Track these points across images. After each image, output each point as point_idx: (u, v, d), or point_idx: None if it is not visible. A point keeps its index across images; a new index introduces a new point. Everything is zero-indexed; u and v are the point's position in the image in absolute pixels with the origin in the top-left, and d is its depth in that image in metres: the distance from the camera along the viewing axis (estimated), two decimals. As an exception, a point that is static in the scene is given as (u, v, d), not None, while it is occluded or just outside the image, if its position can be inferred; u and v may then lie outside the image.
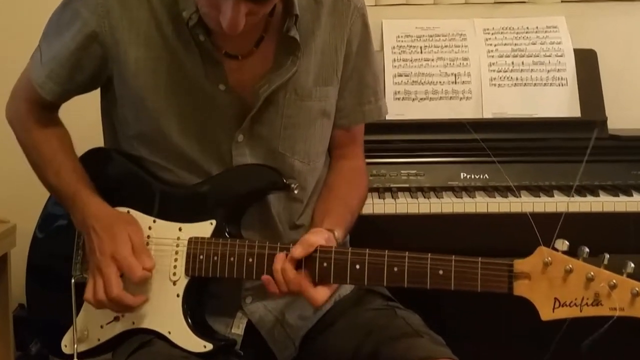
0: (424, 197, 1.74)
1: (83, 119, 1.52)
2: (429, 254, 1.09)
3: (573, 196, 1.73)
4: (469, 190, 1.78)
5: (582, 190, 1.76)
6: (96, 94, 1.38)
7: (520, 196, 1.74)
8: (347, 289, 1.40)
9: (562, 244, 1.04)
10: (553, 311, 1.04)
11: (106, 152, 1.37)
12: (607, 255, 1.03)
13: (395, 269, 1.11)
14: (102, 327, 1.29)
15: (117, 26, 1.23)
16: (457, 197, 1.74)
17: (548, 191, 1.76)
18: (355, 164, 1.41)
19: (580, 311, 1.03)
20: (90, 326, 1.29)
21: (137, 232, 1.25)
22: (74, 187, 1.29)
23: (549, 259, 1.04)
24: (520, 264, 1.06)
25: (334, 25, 1.30)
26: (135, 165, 1.31)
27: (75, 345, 1.27)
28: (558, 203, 1.70)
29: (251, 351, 1.30)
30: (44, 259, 1.39)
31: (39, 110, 1.36)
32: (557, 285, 1.04)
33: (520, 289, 1.06)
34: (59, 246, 1.36)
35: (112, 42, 1.25)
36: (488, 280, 1.06)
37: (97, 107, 1.40)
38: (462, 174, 1.82)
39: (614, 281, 1.02)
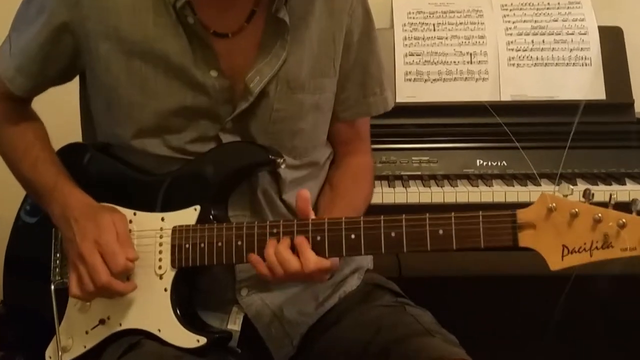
0: (437, 186, 1.73)
1: (60, 111, 1.51)
2: (427, 214, 1.08)
3: (597, 184, 1.72)
4: (485, 178, 1.76)
5: (607, 178, 1.75)
6: (73, 88, 1.37)
7: (541, 184, 1.72)
8: (352, 284, 1.38)
9: (567, 189, 1.03)
10: (562, 259, 1.02)
11: (81, 148, 1.36)
12: (613, 195, 1.01)
13: (393, 233, 1.10)
14: (87, 332, 1.27)
15: (87, 16, 1.22)
16: (472, 185, 1.73)
17: (570, 179, 1.75)
18: (360, 161, 1.40)
19: (591, 256, 1.01)
20: (74, 333, 1.28)
21: (122, 220, 1.23)
22: (53, 179, 1.28)
23: (553, 204, 1.02)
24: (523, 213, 1.04)
25: (332, 11, 1.29)
26: (112, 157, 1.31)
27: (60, 354, 1.26)
28: (581, 192, 1.65)
29: (248, 350, 1.29)
30: (20, 265, 1.38)
31: (9, 103, 1.34)
32: (563, 232, 1.02)
33: (526, 239, 1.04)
34: (35, 251, 1.35)
35: (83, 33, 1.23)
36: (491, 234, 1.05)
37: (76, 98, 1.39)
38: (478, 160, 1.80)
39: (623, 220, 0.99)
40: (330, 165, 1.40)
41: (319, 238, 1.13)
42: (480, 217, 1.06)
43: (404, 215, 1.10)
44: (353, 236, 1.12)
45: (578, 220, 1.01)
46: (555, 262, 1.02)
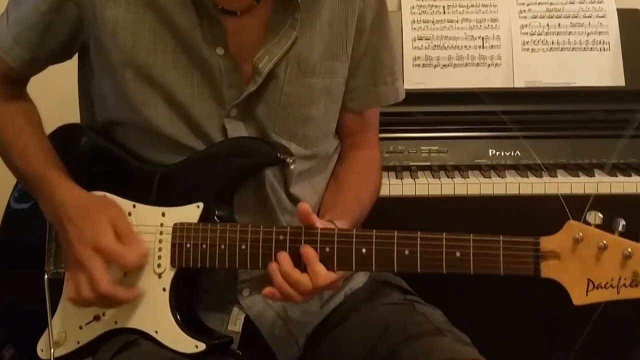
0: (447, 177, 1.72)
1: (56, 95, 1.50)
2: (444, 234, 1.07)
3: (617, 175, 1.71)
4: (498, 169, 1.76)
5: (626, 169, 1.74)
6: (72, 68, 1.36)
7: (557, 176, 1.71)
8: (359, 281, 1.38)
9: (595, 217, 1.01)
10: (587, 294, 1.01)
11: (78, 129, 1.34)
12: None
13: (407, 252, 1.08)
14: (81, 328, 1.26)
15: None
16: (484, 176, 1.72)
17: (588, 170, 1.74)
18: (368, 154, 1.40)
19: (618, 293, 1.00)
20: (68, 327, 1.27)
21: (120, 216, 1.21)
22: (41, 169, 1.26)
23: (580, 234, 1.01)
24: (547, 242, 1.03)
25: None
26: (111, 143, 1.29)
27: (52, 350, 1.25)
28: (599, 183, 1.68)
29: (250, 352, 1.28)
30: (12, 254, 1.37)
31: (3, 83, 1.33)
32: (590, 265, 1.01)
33: (549, 270, 1.03)
34: (28, 238, 1.34)
35: (88, 1, 1.22)
36: (512, 262, 1.04)
37: (72, 81, 1.37)
38: (490, 150, 1.80)
39: (655, 258, 0.99)
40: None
41: (327, 249, 1.12)
42: (501, 241, 1.04)
43: (419, 233, 1.08)
44: (364, 250, 1.11)
45: (606, 254, 1.00)
46: (580, 297, 1.01)
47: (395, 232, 1.09)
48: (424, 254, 1.08)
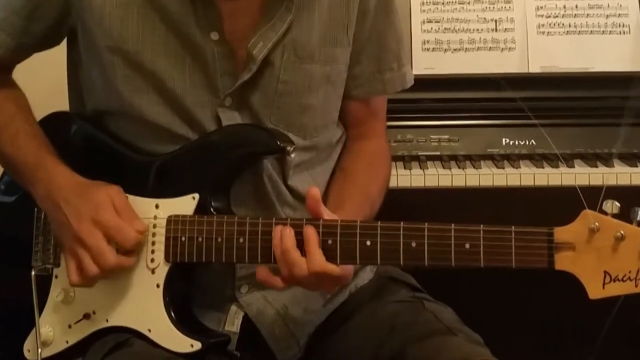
0: (459, 167, 1.71)
1: (43, 83, 1.51)
2: (452, 225, 1.07)
3: (637, 166, 1.70)
4: (512, 158, 1.75)
5: None
6: (61, 54, 1.36)
7: (574, 166, 1.70)
8: (364, 278, 1.38)
9: (612, 206, 1.00)
10: (603, 287, 1.00)
11: (67, 117, 1.35)
12: None
13: (413, 244, 1.08)
14: (70, 326, 1.26)
15: None
16: (498, 167, 1.71)
17: (607, 160, 1.73)
18: (376, 146, 1.40)
19: (636, 286, 0.99)
20: (56, 326, 1.27)
21: (119, 192, 1.21)
22: (35, 156, 1.26)
23: (596, 224, 1.00)
24: (561, 232, 1.02)
25: None
26: (102, 132, 1.29)
27: (40, 350, 1.25)
28: (619, 174, 1.67)
29: (249, 353, 1.27)
30: None
31: None
32: (606, 256, 1.00)
33: (563, 262, 1.02)
34: (13, 233, 1.34)
35: None
36: (524, 254, 1.04)
37: (60, 68, 1.38)
38: (504, 139, 1.78)
39: (676, 248, 0.98)
40: (342, 150, 1.39)
41: (330, 242, 1.11)
42: (513, 232, 1.04)
43: (426, 224, 1.08)
44: (369, 243, 1.10)
45: (624, 245, 0.99)
46: (596, 291, 1.01)
47: (402, 223, 1.09)
48: (432, 246, 1.07)
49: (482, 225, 1.05)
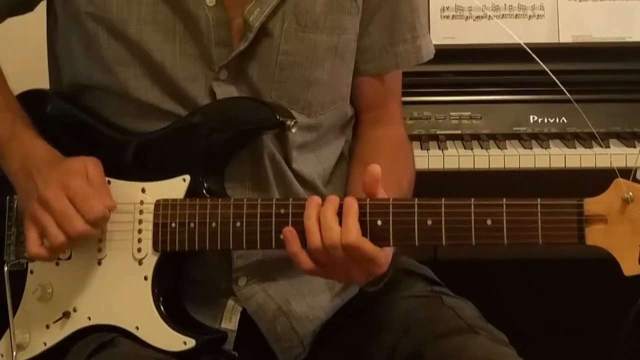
0: (481, 148, 1.71)
1: (22, 51, 1.53)
2: (472, 199, 1.06)
3: None
4: (541, 138, 1.74)
5: None
6: (41, 18, 1.36)
7: (610, 146, 1.70)
8: None
9: None
10: (639, 263, 1.01)
11: (42, 95, 1.35)
12: None
13: (429, 222, 1.08)
14: (48, 327, 1.25)
15: None
16: (525, 147, 1.71)
17: None
18: (393, 132, 1.40)
19: None
20: (32, 327, 1.26)
21: (96, 164, 1.21)
22: (9, 126, 1.26)
23: (630, 194, 1.00)
24: (592, 204, 1.03)
25: None
26: (81, 110, 1.29)
27: (14, 353, 1.24)
28: None
29: (248, 352, 1.27)
30: None
31: None
32: None
33: (594, 236, 1.02)
34: None
35: None
36: (551, 229, 1.04)
37: (40, 35, 1.39)
38: (531, 116, 1.77)
39: None
40: (355, 139, 1.38)
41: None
42: (539, 205, 1.04)
43: (443, 200, 1.08)
44: (380, 222, 1.10)
45: None
46: (631, 267, 1.01)
47: (416, 200, 1.09)
48: (450, 223, 1.07)
49: (504, 199, 1.05)
